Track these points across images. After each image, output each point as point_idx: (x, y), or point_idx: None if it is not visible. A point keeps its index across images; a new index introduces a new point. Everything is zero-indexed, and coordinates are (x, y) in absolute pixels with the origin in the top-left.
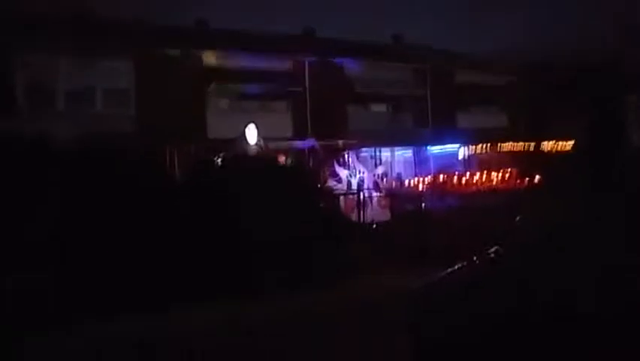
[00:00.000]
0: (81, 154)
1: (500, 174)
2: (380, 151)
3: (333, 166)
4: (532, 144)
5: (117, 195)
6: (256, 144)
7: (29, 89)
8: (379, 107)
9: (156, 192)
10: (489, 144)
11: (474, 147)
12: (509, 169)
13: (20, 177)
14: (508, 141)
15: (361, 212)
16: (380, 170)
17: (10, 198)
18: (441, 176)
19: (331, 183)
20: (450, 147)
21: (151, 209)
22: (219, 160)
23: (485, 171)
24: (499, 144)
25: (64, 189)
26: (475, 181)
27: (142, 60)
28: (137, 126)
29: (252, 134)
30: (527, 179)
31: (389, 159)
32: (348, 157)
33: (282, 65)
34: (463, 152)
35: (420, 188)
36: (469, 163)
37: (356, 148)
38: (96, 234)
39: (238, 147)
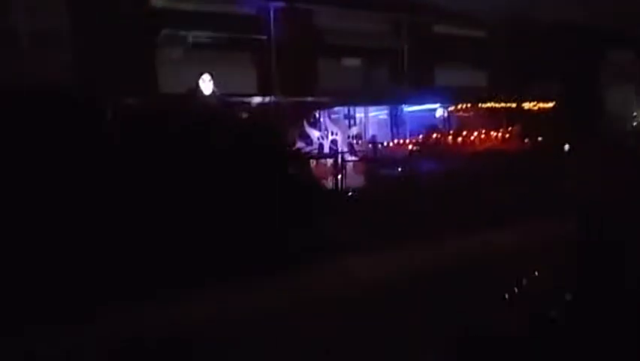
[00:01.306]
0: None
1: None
2: (354, 111)
3: (303, 126)
4: (513, 104)
5: (50, 161)
6: (212, 96)
7: None
8: (352, 62)
9: (96, 154)
10: (469, 104)
11: (454, 106)
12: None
13: None
14: (489, 101)
15: (335, 178)
16: (354, 130)
17: None
18: (421, 136)
19: (300, 144)
20: (428, 107)
21: (89, 176)
22: (166, 116)
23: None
24: (479, 104)
25: None
26: (458, 141)
27: None
28: (73, 76)
29: (206, 85)
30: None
31: (363, 120)
32: (320, 117)
33: (243, 9)
34: (441, 112)
35: (399, 150)
36: (448, 124)
37: (328, 107)
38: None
39: (189, 100)
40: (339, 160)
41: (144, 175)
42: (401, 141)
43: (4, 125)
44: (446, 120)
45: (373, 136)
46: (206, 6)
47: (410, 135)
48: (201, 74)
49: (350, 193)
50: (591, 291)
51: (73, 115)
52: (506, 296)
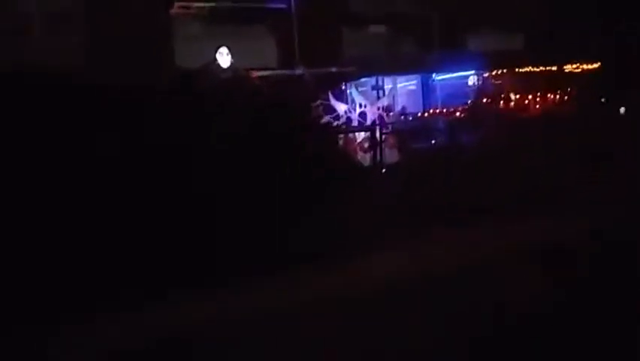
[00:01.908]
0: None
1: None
2: (382, 81)
3: (329, 100)
4: (554, 67)
5: (65, 146)
6: (230, 69)
7: None
8: (378, 29)
9: (115, 137)
10: (505, 70)
11: (488, 73)
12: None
13: None
14: (526, 66)
15: (370, 152)
16: (385, 101)
17: None
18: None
19: (327, 119)
20: (460, 75)
21: (104, 159)
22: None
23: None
24: (516, 69)
25: None
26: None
27: None
28: (86, 58)
29: (224, 59)
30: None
31: (391, 91)
32: (346, 88)
33: None
34: (474, 80)
35: (435, 121)
36: (483, 93)
37: (354, 78)
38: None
39: (207, 75)
40: (377, 133)
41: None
42: (437, 111)
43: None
44: (480, 89)
45: (403, 107)
46: None
47: (442, 105)
48: (218, 48)
49: (385, 170)
50: None
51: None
52: None
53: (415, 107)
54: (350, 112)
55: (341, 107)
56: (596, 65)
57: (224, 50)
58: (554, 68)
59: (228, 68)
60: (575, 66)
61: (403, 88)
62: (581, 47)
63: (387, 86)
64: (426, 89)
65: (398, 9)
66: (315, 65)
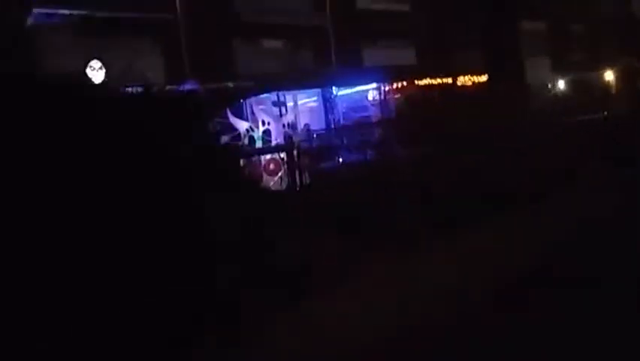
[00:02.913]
0: None
1: None
2: (284, 97)
3: (227, 117)
4: (449, 80)
5: None
6: (102, 86)
7: None
8: (274, 44)
9: None
10: (403, 83)
11: (388, 86)
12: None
13: None
14: (423, 79)
15: (276, 176)
16: (289, 118)
17: None
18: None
19: (226, 139)
20: (358, 89)
21: None
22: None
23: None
24: (414, 82)
25: None
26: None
27: None
28: None
29: (96, 74)
30: None
31: (293, 108)
32: (246, 105)
33: None
34: (373, 94)
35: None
36: (385, 106)
37: (253, 93)
38: None
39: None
40: (293, 152)
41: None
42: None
43: None
44: (382, 102)
45: (306, 124)
46: None
47: (345, 120)
48: (88, 61)
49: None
50: None
51: None
52: None
53: (318, 124)
54: (252, 130)
55: (242, 125)
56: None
57: (95, 63)
58: (449, 81)
59: (100, 84)
60: (466, 78)
61: (303, 105)
62: (469, 60)
63: (289, 103)
64: (327, 104)
65: (292, 20)
66: (209, 81)
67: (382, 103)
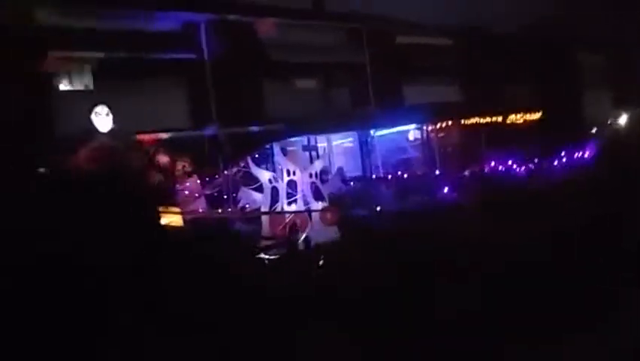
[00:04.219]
0: None
1: None
2: (315, 141)
3: (248, 167)
4: (499, 117)
5: None
6: (111, 134)
7: None
8: (307, 83)
9: None
10: (448, 122)
11: (431, 126)
12: None
13: None
14: (470, 117)
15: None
16: (318, 166)
17: None
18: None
19: (245, 195)
20: (398, 130)
21: None
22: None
23: None
24: (461, 120)
25: None
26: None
27: None
28: None
29: (102, 120)
30: None
31: (326, 151)
32: (270, 151)
33: (164, 24)
34: (415, 134)
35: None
36: (428, 148)
37: (280, 138)
38: None
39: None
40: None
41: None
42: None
43: None
44: (425, 143)
45: (340, 169)
46: (111, 22)
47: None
48: (93, 107)
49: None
50: None
51: None
52: None
53: (353, 169)
54: (275, 181)
55: (264, 176)
56: (538, 115)
57: (102, 109)
58: (499, 118)
59: (108, 132)
60: (518, 116)
61: (338, 146)
62: (521, 97)
63: (321, 144)
64: (366, 146)
65: (328, 58)
66: (233, 124)
67: (424, 143)
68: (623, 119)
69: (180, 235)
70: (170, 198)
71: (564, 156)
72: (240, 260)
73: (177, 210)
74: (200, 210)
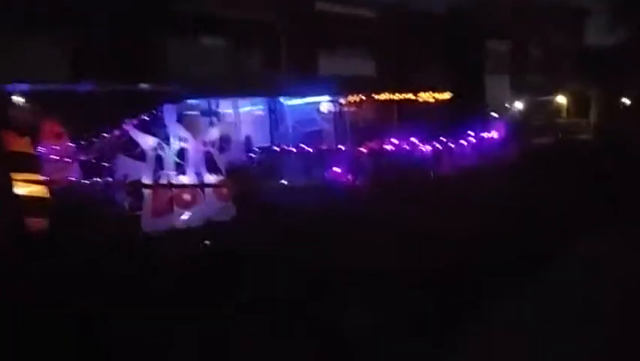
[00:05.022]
0: None
1: None
2: (217, 105)
3: (128, 131)
4: (409, 95)
5: None
6: None
7: None
8: (214, 40)
9: None
10: (361, 96)
11: (343, 99)
12: None
13: None
14: (382, 92)
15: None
16: (215, 133)
17: None
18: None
19: (123, 163)
20: (310, 100)
21: None
22: None
23: None
24: (372, 96)
25: None
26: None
27: None
28: None
29: None
30: None
31: (233, 118)
32: (160, 114)
33: None
34: (328, 106)
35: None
36: (340, 120)
37: (176, 100)
38: None
39: None
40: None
41: None
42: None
43: None
44: (337, 116)
45: (247, 137)
46: None
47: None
48: None
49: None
50: None
51: None
52: None
53: (262, 139)
54: (161, 149)
55: (147, 142)
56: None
57: None
58: (409, 96)
59: None
60: (428, 95)
61: (247, 114)
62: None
63: (227, 110)
64: (273, 115)
65: (239, 14)
66: (117, 80)
67: (339, 117)
68: (522, 105)
69: (43, 208)
70: (31, 164)
71: (470, 135)
72: (113, 237)
73: (40, 178)
74: (72, 180)
